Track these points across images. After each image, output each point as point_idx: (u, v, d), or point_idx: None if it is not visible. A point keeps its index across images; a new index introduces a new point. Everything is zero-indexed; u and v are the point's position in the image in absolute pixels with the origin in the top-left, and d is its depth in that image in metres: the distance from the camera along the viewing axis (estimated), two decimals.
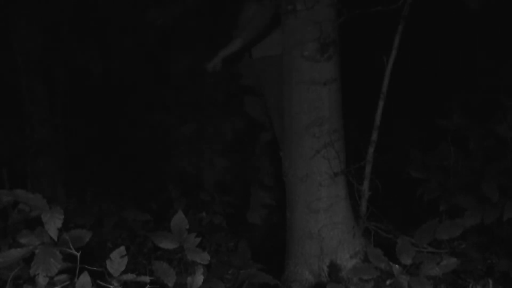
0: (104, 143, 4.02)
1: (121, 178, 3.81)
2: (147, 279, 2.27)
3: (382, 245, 2.64)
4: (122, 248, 2.27)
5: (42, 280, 2.09)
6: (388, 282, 2.44)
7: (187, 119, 3.52)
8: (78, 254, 2.18)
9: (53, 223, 2.11)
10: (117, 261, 2.24)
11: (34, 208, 2.20)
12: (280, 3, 2.52)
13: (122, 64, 4.12)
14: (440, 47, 3.99)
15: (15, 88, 3.27)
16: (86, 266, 2.22)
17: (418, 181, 2.90)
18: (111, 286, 2.24)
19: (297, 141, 2.60)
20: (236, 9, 3.25)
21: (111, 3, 3.60)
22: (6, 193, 2.21)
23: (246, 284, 2.59)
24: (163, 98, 4.08)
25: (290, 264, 2.70)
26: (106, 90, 4.13)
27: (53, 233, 2.11)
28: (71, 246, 2.17)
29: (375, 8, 2.43)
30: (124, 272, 2.24)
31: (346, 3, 2.47)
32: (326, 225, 2.62)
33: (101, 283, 2.25)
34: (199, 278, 2.33)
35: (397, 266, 2.44)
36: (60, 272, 2.16)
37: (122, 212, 3.04)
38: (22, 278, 2.21)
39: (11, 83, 3.32)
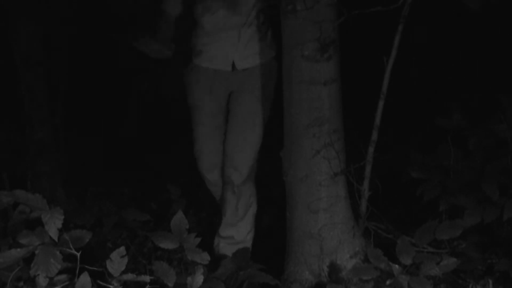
0: (104, 143, 4.02)
1: (121, 178, 3.81)
2: (147, 279, 2.27)
3: (382, 245, 2.64)
4: (122, 248, 2.27)
5: (42, 281, 2.09)
6: (388, 282, 2.44)
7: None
8: (78, 254, 2.18)
9: (53, 224, 2.11)
10: (117, 261, 2.24)
11: (34, 208, 2.21)
12: (280, 3, 2.52)
13: (123, 64, 4.13)
14: (440, 47, 3.99)
15: (15, 88, 3.27)
16: (86, 266, 2.23)
17: (418, 181, 2.90)
18: (111, 286, 2.24)
19: (297, 141, 2.60)
20: None
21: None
22: (6, 194, 2.22)
23: (246, 284, 2.59)
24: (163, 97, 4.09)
25: (290, 264, 2.70)
26: (106, 90, 4.14)
27: (53, 233, 2.11)
28: (71, 246, 2.17)
29: (375, 8, 2.43)
30: (124, 272, 2.24)
31: (346, 3, 2.47)
32: (326, 225, 2.62)
33: (101, 283, 2.25)
34: (199, 278, 2.33)
35: (397, 266, 2.45)
36: (60, 272, 2.16)
37: (122, 212, 3.04)
38: (22, 279, 2.21)
39: (11, 83, 3.32)
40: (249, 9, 2.80)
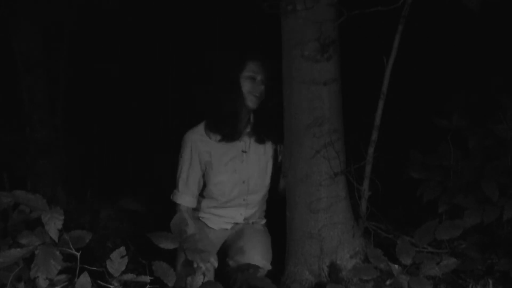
0: (104, 144, 4.02)
1: (120, 178, 3.81)
2: (147, 279, 2.28)
3: (382, 245, 2.64)
4: (122, 248, 2.28)
5: (42, 282, 2.09)
6: (388, 282, 2.44)
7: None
8: (78, 254, 2.18)
9: (53, 224, 2.11)
10: (117, 261, 2.25)
11: (34, 208, 2.20)
12: (280, 3, 2.52)
13: (122, 64, 4.13)
14: (440, 47, 3.99)
15: (15, 88, 3.27)
16: (86, 266, 2.23)
17: (418, 181, 2.90)
18: (111, 286, 2.24)
19: (297, 141, 2.61)
20: None
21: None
22: (6, 195, 2.22)
23: (246, 285, 2.59)
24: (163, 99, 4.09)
25: (290, 264, 2.70)
26: (106, 91, 4.14)
27: (53, 233, 2.11)
28: (71, 246, 2.18)
29: (375, 8, 2.43)
30: (124, 272, 2.24)
31: (346, 3, 2.47)
32: (326, 225, 2.62)
33: (101, 283, 2.25)
34: (199, 278, 2.33)
35: (396, 266, 2.45)
36: (60, 272, 2.16)
37: (117, 203, 3.03)
38: (22, 279, 2.20)
39: (11, 83, 3.32)
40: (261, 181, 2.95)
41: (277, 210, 2.98)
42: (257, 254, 2.77)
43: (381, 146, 2.66)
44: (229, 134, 2.86)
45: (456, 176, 2.85)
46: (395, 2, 2.40)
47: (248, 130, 2.93)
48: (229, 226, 3.00)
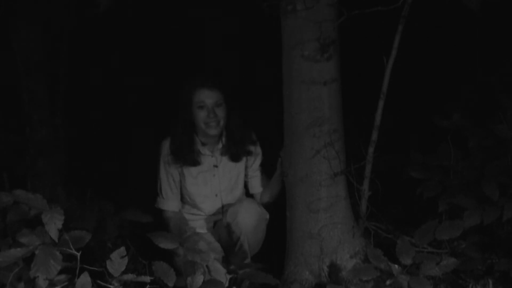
0: (104, 144, 4.02)
1: (121, 178, 3.81)
2: (147, 279, 2.28)
3: (382, 245, 2.64)
4: (122, 248, 2.28)
5: (42, 282, 2.09)
6: (388, 282, 2.44)
7: None
8: (78, 255, 2.18)
9: (54, 224, 2.11)
10: (117, 261, 2.25)
11: (35, 208, 2.21)
12: (280, 3, 2.52)
13: (122, 65, 4.13)
14: (440, 47, 3.99)
15: (15, 88, 3.26)
16: (86, 266, 2.23)
17: (418, 181, 2.90)
18: (111, 286, 2.24)
19: (297, 141, 2.61)
20: None
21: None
22: (6, 194, 2.22)
23: (246, 284, 2.59)
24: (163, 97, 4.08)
25: (290, 264, 2.70)
26: (106, 91, 4.14)
27: (53, 233, 2.11)
28: (71, 247, 2.17)
29: (375, 8, 2.43)
30: (124, 272, 2.24)
31: (346, 3, 2.47)
32: (326, 225, 2.62)
33: (101, 283, 2.25)
34: (199, 278, 2.33)
35: (396, 266, 2.45)
36: (60, 272, 2.16)
37: (122, 213, 3.04)
38: (22, 279, 2.20)
39: (11, 83, 3.31)
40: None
41: (277, 210, 2.98)
42: (252, 202, 2.89)
43: (381, 146, 2.66)
44: (187, 162, 2.97)
45: (456, 176, 2.85)
46: (395, 2, 2.40)
47: (220, 146, 3.01)
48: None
